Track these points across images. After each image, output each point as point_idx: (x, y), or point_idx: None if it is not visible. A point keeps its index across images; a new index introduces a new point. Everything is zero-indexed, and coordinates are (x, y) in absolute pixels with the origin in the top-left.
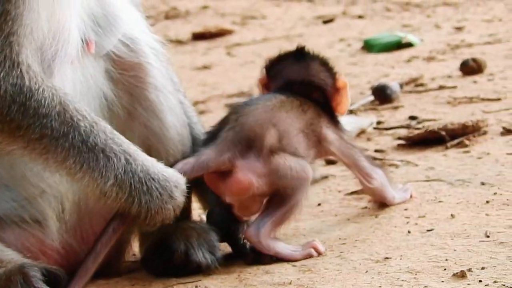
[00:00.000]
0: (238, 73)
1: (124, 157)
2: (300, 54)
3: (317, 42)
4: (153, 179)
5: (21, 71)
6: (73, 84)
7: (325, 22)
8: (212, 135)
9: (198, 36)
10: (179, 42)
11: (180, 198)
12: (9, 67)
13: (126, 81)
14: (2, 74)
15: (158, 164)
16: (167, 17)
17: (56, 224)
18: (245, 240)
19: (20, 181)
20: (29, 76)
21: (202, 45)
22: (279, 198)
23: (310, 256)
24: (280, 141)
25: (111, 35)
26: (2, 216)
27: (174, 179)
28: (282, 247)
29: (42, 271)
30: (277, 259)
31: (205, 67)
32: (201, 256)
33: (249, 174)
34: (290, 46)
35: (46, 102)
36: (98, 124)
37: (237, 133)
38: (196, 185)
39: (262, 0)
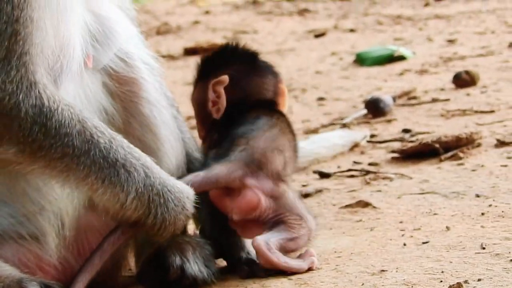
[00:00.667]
0: None
1: (143, 170)
2: (255, 62)
3: (309, 56)
4: (169, 191)
5: (39, 91)
6: (74, 99)
7: (317, 36)
8: (221, 153)
9: (190, 51)
10: (171, 57)
11: (191, 209)
12: (27, 88)
13: (122, 95)
14: (21, 96)
15: (171, 177)
16: (159, 32)
17: (55, 241)
18: (243, 254)
19: (19, 198)
20: (47, 96)
21: (194, 60)
22: (282, 227)
23: (313, 264)
24: (285, 168)
25: (108, 50)
26: (0, 231)
27: (186, 191)
28: (289, 259)
29: (41, 286)
30: (271, 273)
31: None
32: (197, 270)
33: (259, 193)
34: (282, 61)
35: (66, 122)
36: (116, 139)
37: (249, 155)
38: None
39: (253, 15)
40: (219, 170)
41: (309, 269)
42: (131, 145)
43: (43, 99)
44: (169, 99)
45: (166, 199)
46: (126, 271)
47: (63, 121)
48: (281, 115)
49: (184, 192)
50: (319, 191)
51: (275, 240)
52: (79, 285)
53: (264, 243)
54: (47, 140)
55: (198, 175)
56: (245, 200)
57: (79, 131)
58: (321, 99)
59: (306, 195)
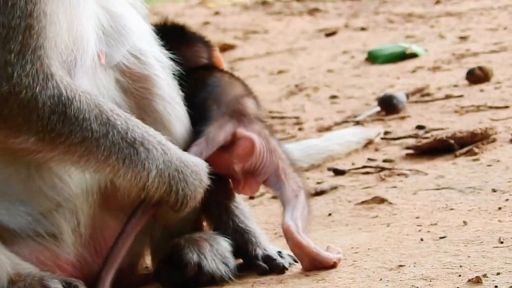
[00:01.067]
0: None
1: (161, 147)
2: (183, 35)
3: (320, 55)
4: (186, 166)
5: (56, 82)
6: None
7: (328, 35)
8: (200, 118)
9: None
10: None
11: (206, 180)
12: (43, 80)
13: (135, 92)
14: (38, 89)
15: (184, 152)
16: None
17: (71, 238)
18: (260, 250)
19: (35, 195)
20: (64, 86)
21: None
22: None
23: (339, 260)
24: (258, 108)
25: (121, 46)
26: (17, 230)
27: (200, 163)
28: (318, 246)
29: (62, 283)
30: (287, 269)
31: None
32: (215, 267)
33: (251, 135)
34: (294, 60)
35: (84, 107)
36: (131, 120)
37: (227, 108)
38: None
39: (263, 15)
40: (213, 130)
41: (333, 266)
42: (145, 125)
43: (60, 88)
44: (181, 96)
45: (185, 174)
46: (142, 269)
47: (81, 107)
48: (222, 70)
49: (199, 165)
50: (334, 188)
51: (299, 218)
52: (108, 271)
53: (294, 226)
54: (66, 127)
55: (199, 143)
56: (242, 146)
57: (96, 115)
58: (333, 97)
59: (321, 192)
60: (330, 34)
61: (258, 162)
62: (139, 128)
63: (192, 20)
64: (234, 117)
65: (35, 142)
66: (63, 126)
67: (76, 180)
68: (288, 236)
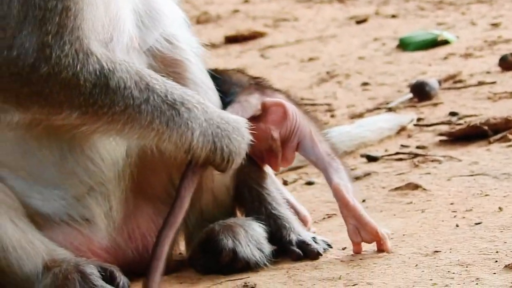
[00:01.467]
0: (273, 74)
1: (201, 106)
2: None
3: (351, 42)
4: (227, 123)
5: (96, 57)
6: None
7: (358, 22)
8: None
9: (231, 40)
10: (212, 45)
11: (248, 135)
12: (83, 58)
13: (167, 76)
14: (78, 67)
15: (223, 110)
16: (199, 21)
17: (104, 222)
18: (294, 236)
19: (68, 179)
20: (104, 59)
21: (235, 48)
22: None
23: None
24: None
25: (154, 30)
26: (51, 215)
27: (240, 120)
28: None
29: (98, 269)
30: (322, 254)
31: (239, 70)
32: (249, 253)
33: (280, 100)
34: (324, 47)
35: (124, 76)
36: (169, 82)
37: (249, 83)
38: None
39: (292, 3)
40: (243, 97)
41: (376, 239)
42: (183, 86)
43: (101, 63)
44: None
45: (227, 131)
46: (177, 255)
47: (122, 76)
48: None
49: (238, 121)
50: (367, 174)
51: (351, 186)
52: (165, 240)
53: (344, 186)
54: (108, 98)
55: (234, 107)
56: (275, 112)
57: (136, 82)
58: (365, 84)
59: (354, 179)
60: (361, 21)
61: (292, 125)
62: (177, 89)
63: (221, 8)
64: (258, 89)
65: (79, 116)
66: (105, 98)
67: (108, 163)
68: (338, 195)
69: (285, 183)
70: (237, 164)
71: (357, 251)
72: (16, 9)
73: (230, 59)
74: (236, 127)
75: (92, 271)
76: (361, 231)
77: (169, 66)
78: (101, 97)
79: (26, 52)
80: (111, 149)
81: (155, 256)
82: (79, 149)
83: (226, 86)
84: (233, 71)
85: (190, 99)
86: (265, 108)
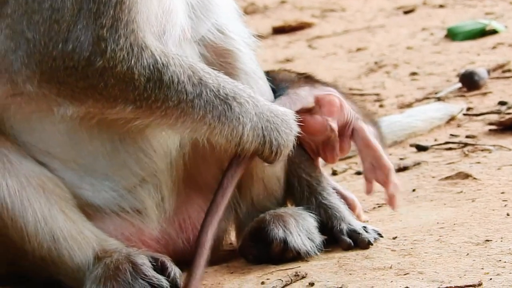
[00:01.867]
0: (321, 65)
1: (252, 100)
2: None
3: (399, 32)
4: (276, 116)
5: (150, 51)
6: None
7: (406, 12)
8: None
9: (278, 30)
10: (259, 36)
11: (296, 128)
12: (138, 52)
13: (219, 66)
14: (133, 61)
15: (271, 102)
16: (246, 12)
17: (155, 213)
18: (345, 225)
19: (120, 170)
20: (158, 53)
21: (282, 38)
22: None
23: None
24: None
25: (206, 20)
26: (102, 206)
27: (288, 112)
28: None
29: (149, 259)
30: (372, 244)
31: (287, 60)
32: (300, 242)
33: (331, 91)
34: (372, 37)
35: (177, 70)
36: (221, 76)
37: (299, 77)
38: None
39: None
40: (292, 91)
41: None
42: (234, 80)
43: (155, 57)
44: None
45: (276, 124)
46: (227, 245)
47: (176, 70)
48: None
49: (287, 114)
50: (417, 164)
51: (377, 133)
52: (208, 228)
53: (368, 129)
54: (162, 93)
55: (282, 100)
56: (329, 103)
57: (189, 76)
58: (413, 74)
59: (404, 168)
60: (409, 11)
61: (348, 113)
62: (229, 83)
63: None
64: (307, 82)
65: (133, 110)
66: (159, 92)
67: (160, 155)
68: (361, 134)
69: (334, 173)
70: (285, 156)
71: (368, 191)
72: (70, 2)
73: (278, 49)
74: (284, 120)
75: (144, 261)
76: (377, 171)
77: (221, 56)
78: (155, 92)
79: (82, 45)
80: (164, 140)
81: (199, 244)
82: (130, 141)
83: (275, 83)
84: (279, 70)
85: (241, 93)
86: (319, 101)
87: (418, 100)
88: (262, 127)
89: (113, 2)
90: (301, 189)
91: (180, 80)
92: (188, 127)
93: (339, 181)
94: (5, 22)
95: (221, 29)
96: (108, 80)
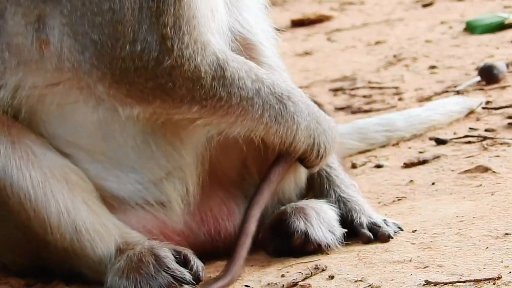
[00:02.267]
0: (339, 58)
1: (304, 100)
2: None
3: (418, 26)
4: (324, 120)
5: (212, 47)
6: None
7: (425, 5)
8: None
9: (297, 23)
10: (278, 29)
11: (338, 136)
12: (201, 49)
13: None
14: (199, 58)
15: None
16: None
17: (180, 206)
18: (365, 218)
19: (147, 163)
20: (217, 49)
21: (301, 31)
22: None
23: None
24: None
25: (235, 13)
26: (126, 198)
27: (330, 118)
28: None
29: (172, 252)
30: (393, 237)
31: (306, 53)
32: (321, 235)
33: None
34: (391, 30)
35: (237, 66)
36: (274, 74)
37: None
38: None
39: None
40: None
41: None
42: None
43: (217, 54)
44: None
45: (324, 128)
46: None
47: (235, 66)
48: None
49: (330, 120)
50: (436, 157)
51: None
52: (252, 218)
53: None
54: (225, 90)
55: None
56: None
57: (247, 72)
58: (432, 67)
59: (423, 162)
60: (427, 4)
61: None
62: (281, 81)
63: None
64: None
65: (197, 110)
66: (223, 90)
67: (188, 148)
68: None
69: (354, 166)
70: (326, 162)
71: None
72: (129, 2)
73: (297, 42)
74: (330, 126)
75: (167, 254)
76: None
77: (247, 50)
78: (220, 89)
79: (150, 46)
80: (193, 134)
81: (243, 232)
82: (161, 134)
83: None
84: None
85: (295, 93)
86: None
87: (437, 94)
88: (313, 129)
89: (171, 0)
90: (321, 181)
91: (240, 76)
92: (246, 127)
93: (359, 174)
94: (61, 21)
95: (247, 23)
96: (176, 80)
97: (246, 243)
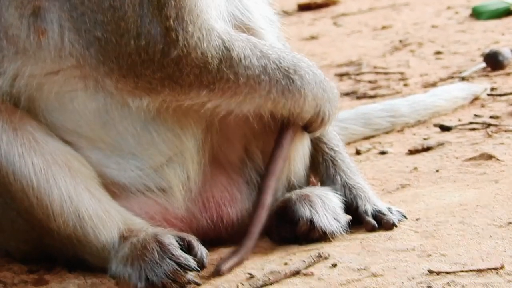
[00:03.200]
0: (346, 42)
1: (310, 70)
2: None
3: (424, 11)
4: (330, 87)
5: (217, 32)
6: None
7: None
8: None
9: (304, 7)
10: (284, 13)
11: (339, 102)
12: (207, 35)
13: None
14: (205, 44)
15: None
16: None
17: (181, 192)
18: (369, 206)
19: (148, 149)
20: (223, 33)
21: (308, 16)
22: None
23: None
24: None
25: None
26: (128, 185)
27: (334, 85)
28: None
29: (176, 238)
30: (397, 226)
31: (312, 38)
32: (327, 223)
33: None
34: (397, 15)
35: (242, 45)
36: (278, 47)
37: None
38: None
39: None
40: None
41: None
42: (289, 50)
43: (221, 36)
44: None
45: (330, 95)
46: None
47: (240, 45)
48: None
49: (334, 87)
50: (441, 144)
51: None
52: (268, 189)
53: None
54: (232, 71)
55: None
56: None
57: (251, 49)
58: (438, 53)
59: (427, 148)
60: None
61: None
62: (287, 54)
63: None
64: None
65: (206, 94)
66: (230, 71)
67: (189, 134)
68: None
69: (358, 152)
70: (328, 127)
71: None
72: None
73: (303, 27)
74: (333, 92)
75: (171, 241)
76: None
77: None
78: (227, 71)
79: (154, 39)
80: (193, 120)
81: (259, 205)
82: (160, 121)
83: None
84: None
85: (301, 64)
86: None
87: (442, 80)
88: (319, 98)
89: None
90: (326, 165)
91: (246, 55)
92: (254, 104)
93: (363, 161)
94: (60, 15)
95: (246, 9)
96: (183, 68)
97: (263, 215)
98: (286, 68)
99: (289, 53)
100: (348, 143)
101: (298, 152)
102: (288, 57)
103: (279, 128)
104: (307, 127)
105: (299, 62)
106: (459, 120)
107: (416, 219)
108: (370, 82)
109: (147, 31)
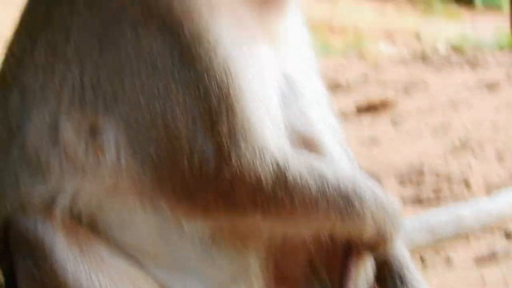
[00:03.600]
0: (405, 145)
1: (369, 190)
2: None
3: (483, 108)
4: (390, 204)
5: (270, 150)
6: None
7: (490, 87)
8: None
9: (362, 109)
10: (342, 114)
11: (402, 220)
12: (260, 154)
13: None
14: (257, 163)
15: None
16: (328, 89)
17: None
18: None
19: (211, 267)
20: (277, 151)
21: (366, 118)
22: None
23: None
24: None
25: (294, 108)
26: None
27: (395, 202)
28: None
29: None
30: None
31: (372, 140)
32: None
33: None
34: (456, 113)
35: (298, 165)
36: (335, 165)
37: None
38: None
39: (422, 68)
40: None
41: None
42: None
43: (275, 155)
44: (349, 156)
45: (391, 216)
46: None
47: (296, 165)
48: None
49: (395, 203)
50: (507, 252)
51: None
52: None
53: None
54: (288, 194)
55: None
56: None
57: (308, 169)
58: (499, 153)
59: (494, 255)
60: (492, 86)
61: None
62: (345, 173)
63: (351, 73)
64: None
65: (261, 215)
66: (286, 194)
67: (251, 250)
68: None
69: (422, 260)
70: (392, 249)
71: None
72: (182, 115)
73: (362, 128)
74: (394, 209)
75: None
76: None
77: (308, 145)
78: (282, 193)
79: (207, 157)
80: (254, 236)
81: None
82: (221, 238)
83: None
84: None
85: (360, 185)
86: None
87: (506, 182)
88: (379, 217)
89: (223, 107)
90: (393, 280)
91: (302, 175)
92: (311, 227)
93: (428, 269)
94: (116, 132)
95: (306, 118)
96: (236, 188)
97: None
98: (345, 188)
99: (346, 171)
100: (412, 251)
101: (360, 275)
102: (346, 176)
103: (344, 247)
104: (371, 247)
105: (357, 181)
106: None
107: None
108: (431, 186)
109: (200, 149)
